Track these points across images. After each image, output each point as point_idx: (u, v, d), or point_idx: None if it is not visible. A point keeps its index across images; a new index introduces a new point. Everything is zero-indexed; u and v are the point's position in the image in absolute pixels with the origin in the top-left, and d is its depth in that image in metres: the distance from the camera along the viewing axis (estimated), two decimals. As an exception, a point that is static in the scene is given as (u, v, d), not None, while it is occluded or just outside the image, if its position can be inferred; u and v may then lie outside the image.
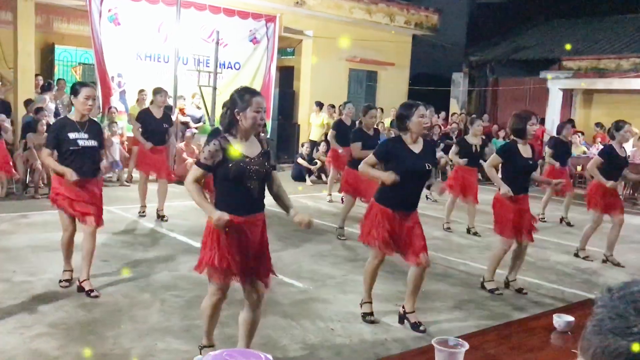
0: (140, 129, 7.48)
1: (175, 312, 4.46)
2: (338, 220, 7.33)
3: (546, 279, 5.92)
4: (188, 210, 7.88)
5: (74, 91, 4.61)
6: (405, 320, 4.39)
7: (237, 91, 3.27)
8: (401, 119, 4.19)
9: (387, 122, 13.17)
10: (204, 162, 3.16)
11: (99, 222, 4.72)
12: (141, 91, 10.93)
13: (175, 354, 3.74)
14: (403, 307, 4.42)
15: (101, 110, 11.25)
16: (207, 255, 3.19)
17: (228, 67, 13.07)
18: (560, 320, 2.46)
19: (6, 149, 6.92)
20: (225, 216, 3.06)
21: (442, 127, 14.04)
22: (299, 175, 11.88)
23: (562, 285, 5.69)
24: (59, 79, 11.96)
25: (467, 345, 1.87)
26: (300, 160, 12.10)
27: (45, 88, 10.23)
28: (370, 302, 4.50)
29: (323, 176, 12.39)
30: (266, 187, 3.35)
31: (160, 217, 7.55)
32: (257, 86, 13.37)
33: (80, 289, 4.70)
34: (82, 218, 4.64)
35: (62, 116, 10.54)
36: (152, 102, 7.66)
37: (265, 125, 3.23)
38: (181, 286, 5.05)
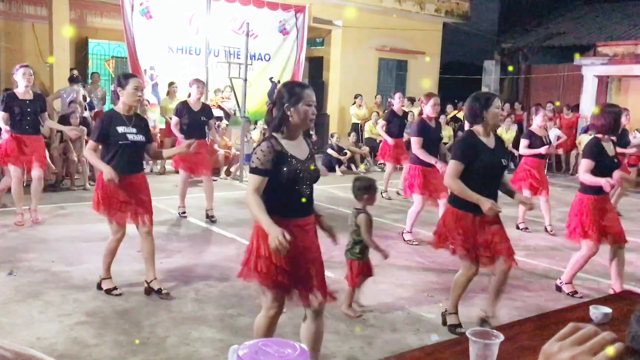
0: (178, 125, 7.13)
1: (209, 301, 4.53)
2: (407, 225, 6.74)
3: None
4: (221, 202, 7.96)
5: (121, 83, 4.43)
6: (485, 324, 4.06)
7: (284, 85, 3.07)
8: (475, 110, 3.90)
9: (415, 111, 13.06)
10: (260, 167, 2.87)
11: (151, 219, 4.58)
12: (171, 84, 11.06)
13: (210, 343, 3.80)
14: (485, 313, 4.16)
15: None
16: (254, 262, 2.97)
17: (258, 59, 13.13)
18: (597, 312, 2.42)
19: (44, 145, 7.01)
20: (286, 238, 2.68)
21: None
22: (329, 166, 11.88)
23: (598, 276, 5.59)
24: (93, 73, 12.16)
25: (502, 337, 1.85)
26: (330, 151, 12.11)
27: (74, 80, 10.29)
28: (457, 313, 4.21)
29: (353, 166, 12.39)
30: None
31: (210, 218, 7.20)
32: (286, 77, 13.41)
33: (149, 290, 4.58)
34: (135, 219, 4.50)
35: (97, 109, 10.82)
36: (189, 95, 7.31)
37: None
38: (214, 276, 5.12)
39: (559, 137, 12.98)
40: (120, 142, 4.37)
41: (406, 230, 6.71)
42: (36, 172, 6.59)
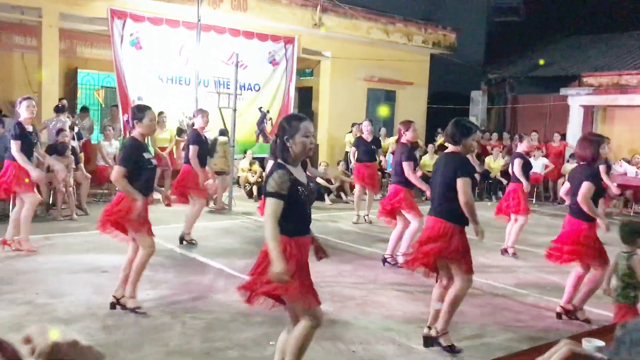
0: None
1: (196, 334, 4.45)
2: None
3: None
4: (209, 231, 7.89)
5: (137, 115, 4.80)
6: (435, 343, 4.31)
7: (285, 119, 3.34)
8: (454, 136, 4.25)
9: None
10: (280, 191, 3.08)
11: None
12: (160, 113, 11.06)
13: (196, 377, 3.72)
14: (433, 329, 4.33)
15: (122, 133, 11.39)
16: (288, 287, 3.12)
17: (248, 89, 13.19)
18: (590, 345, 2.39)
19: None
20: (288, 276, 3.00)
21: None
22: (318, 195, 11.86)
23: (590, 306, 5.56)
24: (83, 106, 12.20)
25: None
26: (319, 180, 12.11)
27: (59, 109, 10.29)
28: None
29: (343, 195, 12.38)
30: None
31: (189, 242, 7.42)
32: (276, 107, 13.48)
33: (120, 306, 4.82)
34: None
35: (84, 138, 10.77)
36: (192, 125, 7.57)
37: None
38: (202, 308, 5.04)
39: (546, 166, 13.10)
40: (148, 167, 4.79)
41: (403, 252, 6.75)
42: (24, 200, 6.61)
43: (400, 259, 6.62)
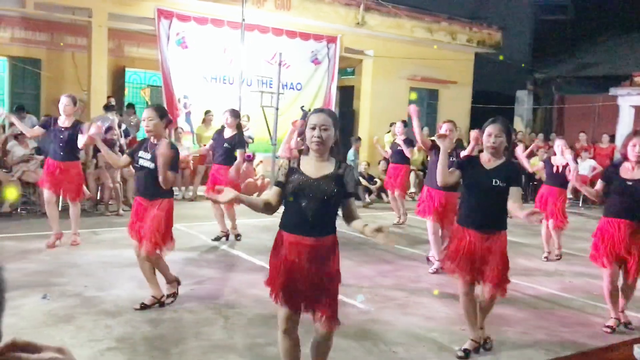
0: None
1: (238, 329, 4.50)
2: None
3: (618, 305, 5.61)
4: (250, 228, 7.98)
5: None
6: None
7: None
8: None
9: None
10: (277, 179, 3.20)
11: (150, 250, 4.71)
12: (207, 112, 11.27)
13: (238, 372, 3.76)
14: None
15: (167, 130, 11.61)
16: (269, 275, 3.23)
17: (290, 88, 13.27)
18: (641, 351, 2.32)
19: (80, 172, 7.16)
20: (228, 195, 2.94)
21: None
22: (356, 194, 11.84)
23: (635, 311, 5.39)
24: (129, 104, 12.49)
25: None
26: (360, 179, 12.08)
27: (109, 108, 10.57)
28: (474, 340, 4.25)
29: (383, 196, 12.32)
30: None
31: (236, 237, 7.60)
32: (318, 106, 13.48)
33: (145, 307, 4.85)
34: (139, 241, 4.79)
35: (131, 136, 11.03)
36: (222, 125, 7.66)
37: (323, 142, 3.07)
38: (244, 304, 5.09)
39: (594, 168, 12.74)
40: (135, 165, 4.85)
41: (430, 255, 6.72)
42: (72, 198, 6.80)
43: (434, 265, 6.57)
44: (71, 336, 4.20)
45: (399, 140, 9.43)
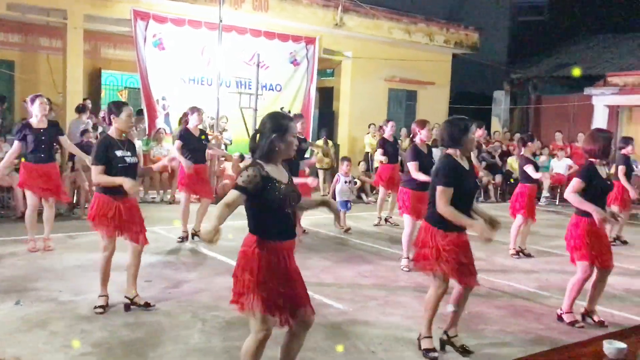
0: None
1: (216, 332, 4.48)
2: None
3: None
4: (229, 231, 7.93)
5: (114, 111, 4.73)
6: (448, 345, 4.29)
7: (272, 117, 3.21)
8: (455, 136, 4.01)
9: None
10: (242, 185, 3.02)
11: (145, 240, 4.89)
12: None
13: (216, 375, 3.74)
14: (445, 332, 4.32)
15: (147, 132, 11.53)
16: (243, 286, 3.07)
17: (269, 89, 13.25)
18: (612, 347, 2.36)
19: (59, 172, 7.06)
20: (217, 235, 2.96)
21: (485, 145, 13.92)
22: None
23: (612, 309, 5.47)
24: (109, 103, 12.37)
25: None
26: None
27: (80, 109, 10.43)
28: (431, 337, 4.22)
29: (363, 196, 12.35)
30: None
31: (193, 236, 7.55)
32: (297, 107, 13.50)
33: (129, 307, 4.83)
34: (132, 237, 4.79)
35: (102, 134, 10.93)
36: (187, 122, 7.59)
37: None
38: (222, 307, 5.06)
39: (570, 167, 12.92)
40: (120, 165, 4.66)
41: (404, 256, 6.69)
42: (50, 200, 6.70)
43: (404, 262, 6.63)
44: (45, 342, 4.14)
45: (389, 138, 9.43)
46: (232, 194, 3.03)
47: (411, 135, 7.07)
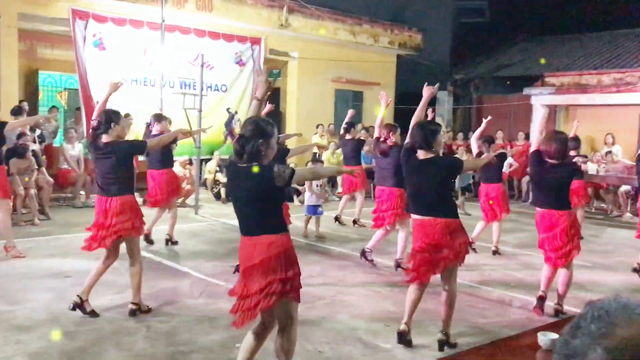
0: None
1: (161, 338, 4.39)
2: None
3: (535, 294, 5.88)
4: (177, 234, 7.81)
5: (113, 119, 4.93)
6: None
7: (260, 122, 3.31)
8: (426, 139, 4.40)
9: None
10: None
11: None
12: (127, 115, 10.89)
13: (160, 382, 3.67)
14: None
15: (86, 135, 11.17)
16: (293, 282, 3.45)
17: (215, 90, 13.09)
18: (545, 338, 2.44)
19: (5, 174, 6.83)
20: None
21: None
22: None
23: (551, 301, 5.66)
24: (52, 106, 11.93)
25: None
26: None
27: (16, 111, 10.04)
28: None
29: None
30: None
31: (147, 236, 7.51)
32: (244, 108, 13.38)
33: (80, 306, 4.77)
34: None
35: (46, 142, 10.54)
36: (150, 131, 7.65)
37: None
38: (166, 312, 4.98)
39: (511, 165, 13.30)
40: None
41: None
42: None
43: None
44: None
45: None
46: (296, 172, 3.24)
47: (382, 138, 7.19)
